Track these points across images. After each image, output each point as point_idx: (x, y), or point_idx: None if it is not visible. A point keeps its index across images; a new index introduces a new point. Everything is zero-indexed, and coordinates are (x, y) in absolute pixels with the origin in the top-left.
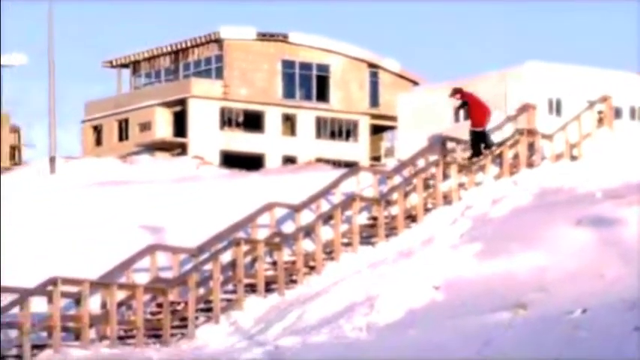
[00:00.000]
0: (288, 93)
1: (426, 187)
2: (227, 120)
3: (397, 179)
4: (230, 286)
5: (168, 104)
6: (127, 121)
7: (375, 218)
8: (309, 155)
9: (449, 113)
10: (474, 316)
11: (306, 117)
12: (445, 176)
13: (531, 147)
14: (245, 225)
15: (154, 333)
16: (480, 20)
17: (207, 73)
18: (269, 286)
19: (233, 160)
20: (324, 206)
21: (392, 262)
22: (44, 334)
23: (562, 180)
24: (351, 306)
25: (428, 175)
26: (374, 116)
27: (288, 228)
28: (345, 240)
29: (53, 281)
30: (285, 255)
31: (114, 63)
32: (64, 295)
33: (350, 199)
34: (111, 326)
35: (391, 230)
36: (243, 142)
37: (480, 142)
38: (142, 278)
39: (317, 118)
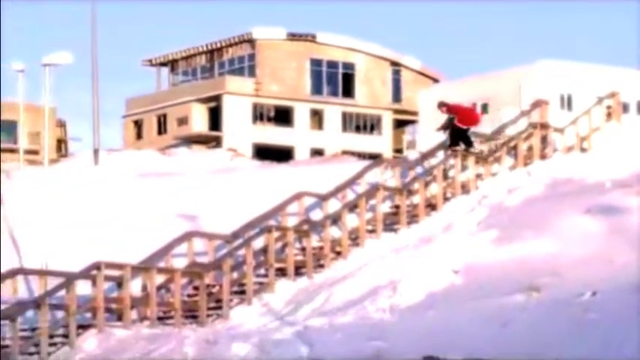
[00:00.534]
0: (316, 89)
1: (445, 177)
2: (259, 115)
3: (418, 170)
4: (262, 270)
5: (203, 100)
6: (165, 116)
7: (397, 207)
8: (336, 148)
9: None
10: (490, 298)
11: (333, 112)
12: (463, 167)
13: (544, 140)
14: (276, 213)
15: (191, 314)
16: (496, 20)
17: (241, 71)
18: (298, 270)
19: (264, 153)
20: (350, 195)
21: (413, 247)
22: (89, 315)
23: (573, 171)
24: (375, 289)
25: (447, 167)
26: (396, 111)
27: (316, 216)
28: (370, 227)
29: (97, 266)
30: (314, 241)
31: (153, 62)
32: (107, 278)
33: (374, 189)
34: (151, 308)
35: (412, 218)
36: (273, 135)
37: (460, 138)
38: (179, 263)
39: (343, 113)
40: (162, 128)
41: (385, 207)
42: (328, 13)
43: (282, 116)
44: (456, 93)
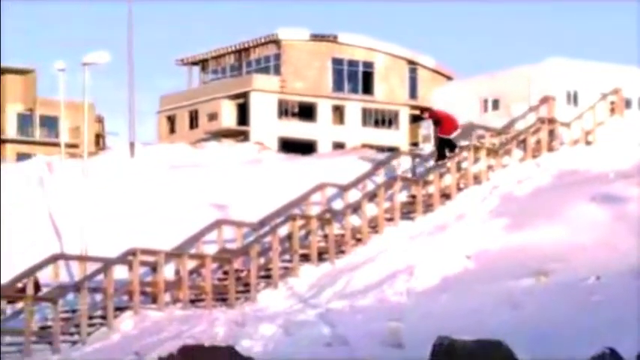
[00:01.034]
0: (338, 87)
1: (459, 169)
2: (284, 110)
3: (432, 162)
4: (287, 256)
5: (232, 97)
6: (196, 112)
7: (413, 196)
8: (356, 141)
9: (477, 105)
10: (501, 282)
11: (353, 108)
12: (475, 159)
13: (551, 134)
14: (300, 202)
15: (221, 297)
16: (506, 21)
17: (267, 70)
18: (321, 256)
19: (289, 146)
20: (369, 186)
21: (429, 234)
22: (125, 297)
23: (578, 162)
24: (392, 273)
25: (460, 159)
26: (413, 107)
27: (338, 205)
28: (388, 215)
29: (133, 252)
30: (335, 229)
31: (185, 61)
32: (143, 264)
33: (392, 180)
34: (183, 291)
35: (428, 207)
36: (298, 129)
37: (445, 147)
38: (210, 249)
39: (363, 108)
40: (193, 123)
41: (402, 197)
42: (349, 15)
43: (306, 112)
44: (469, 90)
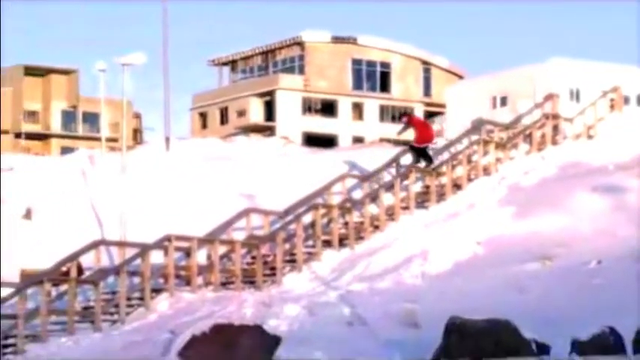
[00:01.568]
0: (357, 85)
1: (469, 161)
2: (307, 107)
3: (446, 155)
4: (310, 242)
5: (260, 95)
6: (226, 109)
7: (427, 187)
8: (374, 136)
9: (487, 101)
10: (509, 266)
11: (372, 105)
12: (485, 152)
13: (555, 128)
14: (322, 192)
15: (249, 280)
16: (513, 22)
17: (292, 70)
18: (342, 242)
19: (312, 140)
20: (386, 177)
21: (441, 222)
22: (161, 280)
23: (581, 155)
24: (408, 258)
25: (471, 152)
26: (427, 104)
27: (357, 195)
28: (404, 204)
29: (168, 238)
30: (355, 217)
31: (216, 62)
32: (177, 249)
33: (407, 171)
34: (214, 274)
35: (441, 196)
36: (320, 125)
37: (419, 156)
38: (239, 235)
39: (380, 105)
40: (224, 119)
41: (417, 187)
42: (368, 18)
43: (328, 108)
44: (478, 88)
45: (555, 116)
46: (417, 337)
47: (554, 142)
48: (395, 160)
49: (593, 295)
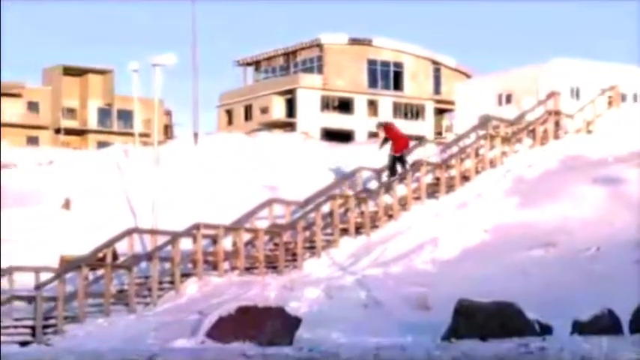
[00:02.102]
0: (372, 84)
1: (477, 154)
2: (326, 104)
3: (455, 149)
4: (328, 230)
5: (281, 93)
6: (250, 106)
7: (437, 178)
8: None
9: (493, 99)
10: (514, 252)
11: (386, 102)
12: (491, 146)
13: (557, 124)
14: (340, 184)
15: (272, 265)
16: (518, 25)
17: (311, 70)
18: (358, 230)
19: (330, 135)
20: (399, 169)
21: (451, 211)
22: (190, 265)
23: (581, 149)
24: (420, 245)
25: (478, 146)
26: (437, 101)
27: (372, 186)
28: (415, 195)
29: (197, 226)
30: (370, 206)
31: (241, 62)
32: (205, 236)
33: (419, 164)
34: (240, 260)
35: (450, 187)
36: (338, 121)
37: (396, 164)
38: (262, 224)
39: (394, 102)
40: (248, 116)
41: (428, 178)
42: (382, 21)
43: (345, 106)
44: (485, 86)
45: (557, 113)
46: (428, 319)
47: (556, 137)
48: (406, 154)
49: (593, 279)
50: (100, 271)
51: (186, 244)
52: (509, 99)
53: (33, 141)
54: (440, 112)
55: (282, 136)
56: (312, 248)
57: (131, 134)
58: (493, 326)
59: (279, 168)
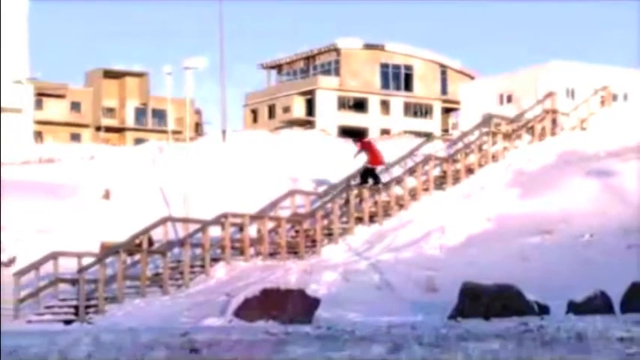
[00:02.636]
0: (384, 85)
1: (480, 150)
2: (342, 104)
3: (460, 144)
4: (345, 219)
5: (302, 94)
6: (274, 105)
7: (444, 171)
8: (399, 128)
9: (495, 98)
10: (514, 239)
11: (397, 102)
12: (493, 142)
13: (554, 122)
14: (355, 176)
15: (293, 251)
16: (517, 30)
17: (329, 72)
18: (372, 218)
19: (346, 132)
20: (409, 163)
21: (457, 201)
22: (218, 251)
23: (576, 144)
24: (428, 232)
25: (481, 142)
26: (444, 101)
27: (385, 179)
28: (424, 186)
29: (224, 215)
30: (383, 197)
31: (264, 65)
32: (232, 224)
33: (427, 158)
34: (264, 246)
35: (456, 180)
36: (353, 119)
37: (368, 175)
38: (284, 213)
39: (404, 102)
40: (271, 114)
41: (436, 172)
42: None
43: (359, 105)
44: (487, 87)
45: (554, 111)
46: (436, 300)
47: (553, 134)
48: (416, 149)
49: (587, 263)
50: (137, 256)
51: (215, 231)
52: (509, 99)
53: (76, 138)
54: (446, 110)
55: (303, 133)
56: (329, 235)
57: (165, 131)
58: (495, 307)
59: (299, 162)
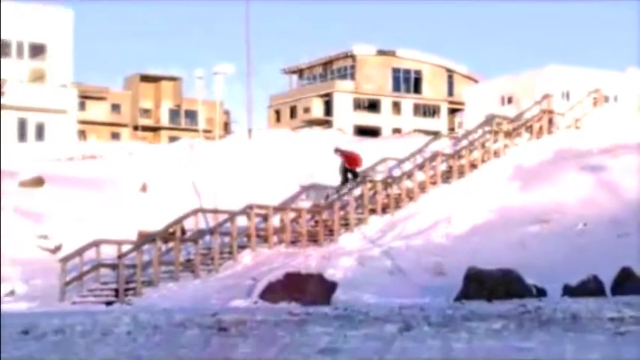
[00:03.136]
0: (396, 88)
1: (483, 146)
2: (357, 105)
3: (465, 142)
4: (360, 210)
5: (320, 96)
6: (295, 106)
7: (450, 167)
8: (409, 127)
9: (497, 100)
10: (515, 228)
11: (407, 103)
12: (495, 140)
13: (550, 121)
14: (369, 171)
15: (313, 239)
16: (517, 37)
17: (345, 76)
18: (384, 209)
19: (361, 131)
20: (419, 159)
21: (462, 194)
22: (245, 239)
23: (570, 142)
24: (436, 222)
25: (484, 139)
26: (450, 102)
27: (396, 173)
28: (432, 180)
29: (250, 207)
30: (394, 190)
31: (287, 70)
32: (257, 215)
33: (435, 155)
34: (286, 234)
35: (461, 174)
36: (367, 119)
37: (347, 174)
38: (305, 204)
39: (414, 104)
40: (293, 115)
41: (442, 167)
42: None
43: (373, 106)
44: (490, 89)
45: (550, 112)
46: (443, 283)
47: (550, 132)
48: (425, 146)
49: (580, 250)
50: (171, 244)
51: (241, 221)
52: (510, 100)
53: (116, 136)
54: (452, 111)
55: (321, 131)
56: (346, 225)
57: (196, 130)
58: (497, 290)
59: (318, 158)
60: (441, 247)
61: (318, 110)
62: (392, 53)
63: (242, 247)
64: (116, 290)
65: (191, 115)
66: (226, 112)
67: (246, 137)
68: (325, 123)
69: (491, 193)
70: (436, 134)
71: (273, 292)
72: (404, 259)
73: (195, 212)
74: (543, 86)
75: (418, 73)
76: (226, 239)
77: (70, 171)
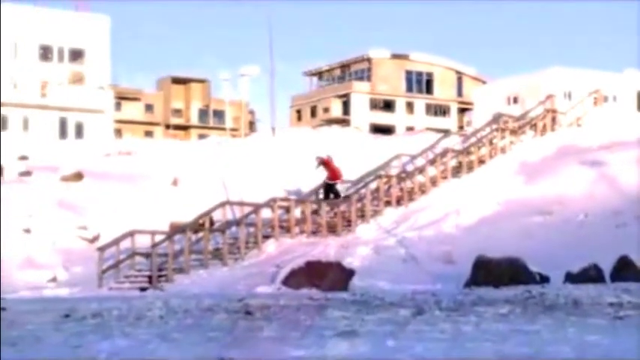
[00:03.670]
0: (409, 89)
1: (491, 143)
2: (373, 105)
3: (473, 139)
4: (375, 202)
5: (339, 96)
6: (315, 106)
7: (460, 162)
8: (422, 126)
9: (503, 100)
10: (520, 219)
11: (420, 103)
12: (502, 137)
13: (553, 119)
14: (384, 166)
15: (332, 229)
16: (522, 40)
17: (362, 78)
18: (398, 202)
19: (377, 129)
20: (430, 155)
21: (471, 187)
22: (269, 230)
23: (572, 139)
24: (446, 213)
25: (491, 137)
26: (459, 102)
27: (409, 168)
28: (443, 175)
29: (274, 199)
30: (408, 183)
31: (307, 72)
32: (280, 207)
33: (445, 151)
34: (307, 225)
35: (470, 169)
36: (382, 118)
37: (330, 191)
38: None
39: (426, 104)
40: (313, 114)
41: (452, 162)
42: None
43: (388, 106)
44: (497, 90)
45: (553, 111)
46: (453, 271)
47: (553, 130)
48: (436, 143)
49: (581, 240)
50: (201, 234)
51: (266, 213)
52: (515, 100)
53: (149, 134)
54: (462, 110)
55: (340, 130)
56: (362, 216)
57: (224, 129)
58: (504, 277)
59: (337, 154)
60: (451, 237)
61: (336, 110)
62: (405, 56)
63: (266, 237)
64: (150, 277)
65: (219, 114)
66: (251, 112)
67: (270, 135)
68: (343, 122)
69: (498, 186)
70: (446, 132)
71: (295, 278)
72: (416, 248)
73: (222, 205)
74: (547, 87)
75: (430, 75)
76: (252, 230)
77: (107, 166)
